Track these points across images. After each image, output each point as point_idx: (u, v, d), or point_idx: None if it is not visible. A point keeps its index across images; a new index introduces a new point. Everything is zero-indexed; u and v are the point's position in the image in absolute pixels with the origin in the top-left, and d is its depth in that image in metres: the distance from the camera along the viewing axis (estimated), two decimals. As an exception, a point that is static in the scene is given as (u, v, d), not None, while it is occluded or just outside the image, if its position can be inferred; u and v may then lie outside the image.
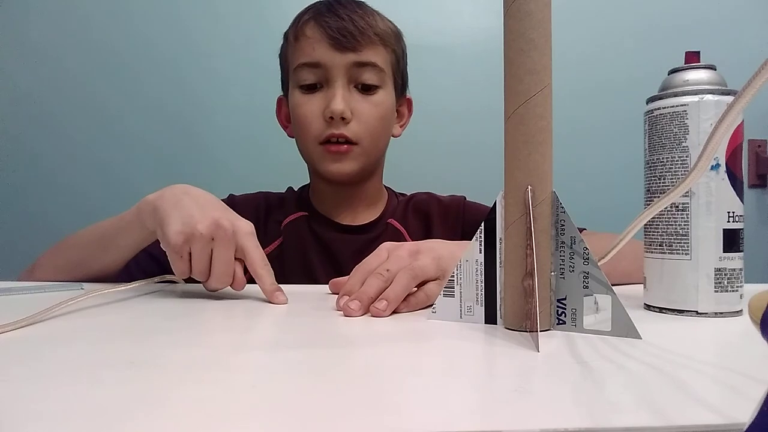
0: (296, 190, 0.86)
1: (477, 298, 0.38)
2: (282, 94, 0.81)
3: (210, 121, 1.34)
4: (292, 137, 0.79)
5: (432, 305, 0.40)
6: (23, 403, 0.22)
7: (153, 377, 0.26)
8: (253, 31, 1.31)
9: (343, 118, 0.71)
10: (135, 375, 0.26)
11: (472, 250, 0.38)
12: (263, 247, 0.53)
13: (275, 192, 0.85)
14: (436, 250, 0.47)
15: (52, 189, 1.31)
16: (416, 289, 0.45)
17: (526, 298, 0.35)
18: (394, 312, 0.43)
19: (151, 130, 1.33)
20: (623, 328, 0.34)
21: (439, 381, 0.25)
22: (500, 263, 0.37)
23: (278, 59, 0.80)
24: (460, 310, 0.39)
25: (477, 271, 0.38)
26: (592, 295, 0.35)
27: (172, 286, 0.60)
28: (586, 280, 0.35)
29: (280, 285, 0.50)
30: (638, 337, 0.33)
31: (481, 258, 0.37)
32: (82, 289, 0.56)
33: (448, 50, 1.38)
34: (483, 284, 0.38)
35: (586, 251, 0.35)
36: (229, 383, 0.25)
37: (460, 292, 0.38)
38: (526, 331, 0.35)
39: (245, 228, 0.51)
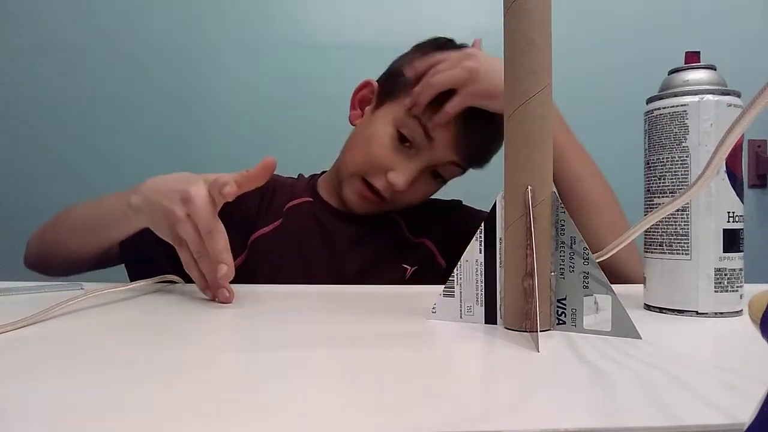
0: (306, 177, 0.86)
1: (477, 298, 0.38)
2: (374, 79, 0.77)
3: (217, 110, 1.35)
4: (354, 124, 0.76)
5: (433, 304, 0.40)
6: (23, 403, 0.22)
7: (153, 377, 0.26)
8: (260, 22, 1.31)
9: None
10: (135, 375, 0.26)
11: (472, 250, 0.38)
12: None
13: (285, 176, 0.84)
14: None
15: (56, 178, 1.31)
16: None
17: (526, 298, 0.35)
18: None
19: (158, 119, 1.33)
20: (623, 328, 0.34)
21: (439, 381, 0.25)
22: (500, 263, 0.37)
23: (394, 61, 0.76)
24: (460, 310, 0.39)
25: (477, 271, 0.38)
26: (592, 295, 0.35)
27: (172, 286, 0.60)
28: (586, 280, 0.35)
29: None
30: (638, 337, 0.33)
31: (481, 258, 0.37)
32: (82, 289, 0.56)
33: (448, 50, 1.38)
34: (483, 284, 0.38)
35: (586, 251, 0.35)
36: (228, 383, 0.25)
37: (460, 292, 0.38)
38: (526, 331, 0.35)
39: (198, 197, 0.48)
